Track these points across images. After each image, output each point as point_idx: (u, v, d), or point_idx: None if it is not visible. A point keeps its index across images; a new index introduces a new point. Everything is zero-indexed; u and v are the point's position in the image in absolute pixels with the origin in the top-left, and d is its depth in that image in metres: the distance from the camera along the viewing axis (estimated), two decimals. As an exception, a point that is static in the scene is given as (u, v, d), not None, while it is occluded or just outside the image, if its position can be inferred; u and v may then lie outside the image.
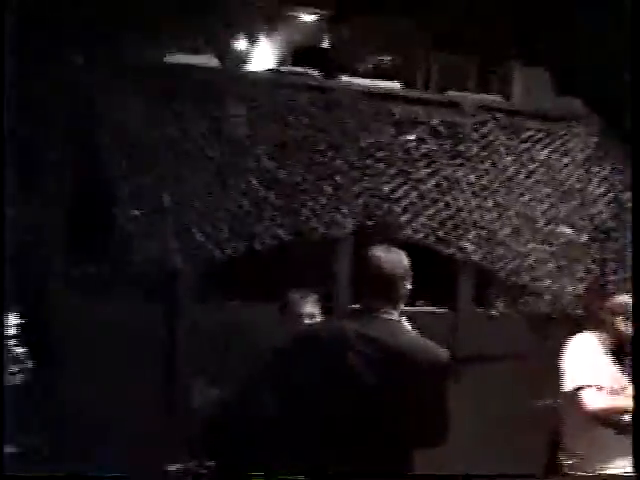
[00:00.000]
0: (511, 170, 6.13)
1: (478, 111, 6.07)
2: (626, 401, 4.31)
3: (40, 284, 5.14)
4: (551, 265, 6.15)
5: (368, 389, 2.73)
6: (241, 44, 6.08)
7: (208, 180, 5.41)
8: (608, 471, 4.39)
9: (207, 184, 5.40)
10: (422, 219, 5.87)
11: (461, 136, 6.00)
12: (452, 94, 6.16)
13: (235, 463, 3.08)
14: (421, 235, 5.85)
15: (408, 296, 2.94)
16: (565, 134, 6.27)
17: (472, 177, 6.01)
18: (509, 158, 6.12)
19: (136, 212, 5.21)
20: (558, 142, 6.25)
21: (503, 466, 4.72)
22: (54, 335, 5.08)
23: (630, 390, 4.29)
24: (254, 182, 5.51)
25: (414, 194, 5.87)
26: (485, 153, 6.07)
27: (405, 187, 5.86)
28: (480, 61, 6.59)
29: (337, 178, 5.71)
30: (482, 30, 6.40)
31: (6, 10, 4.33)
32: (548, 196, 6.21)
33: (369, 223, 5.77)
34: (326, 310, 4.50)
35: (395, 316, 2.84)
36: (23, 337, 4.83)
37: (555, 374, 4.59)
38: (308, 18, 6.45)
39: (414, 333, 2.85)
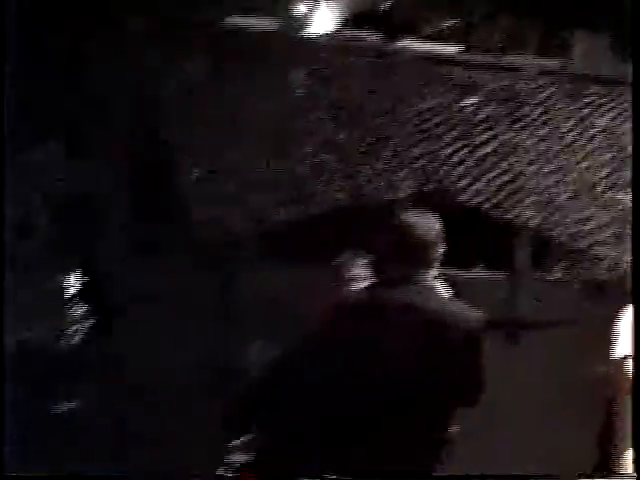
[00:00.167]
0: (571, 135, 6.08)
1: (538, 76, 6.03)
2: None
3: (101, 246, 5.23)
4: (610, 232, 6.11)
5: (403, 355, 2.77)
6: (302, 7, 6.10)
7: (267, 144, 5.46)
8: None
9: (266, 148, 5.45)
10: (480, 184, 5.87)
11: (521, 101, 5.96)
12: (513, 58, 6.12)
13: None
14: (479, 200, 5.85)
15: (441, 260, 2.97)
16: (627, 99, 6.19)
17: (531, 142, 5.98)
18: (569, 123, 6.08)
19: (196, 173, 5.27)
20: (619, 108, 6.18)
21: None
22: (114, 297, 5.17)
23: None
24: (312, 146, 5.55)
25: (472, 159, 5.87)
26: (545, 118, 6.02)
27: (463, 151, 5.86)
28: (542, 26, 6.51)
29: (395, 142, 5.72)
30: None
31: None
32: (608, 162, 6.15)
33: (426, 188, 5.78)
34: (377, 273, 4.54)
35: (429, 281, 2.87)
36: (82, 297, 4.93)
37: (608, 342, 4.59)
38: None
39: (447, 297, 2.88)
